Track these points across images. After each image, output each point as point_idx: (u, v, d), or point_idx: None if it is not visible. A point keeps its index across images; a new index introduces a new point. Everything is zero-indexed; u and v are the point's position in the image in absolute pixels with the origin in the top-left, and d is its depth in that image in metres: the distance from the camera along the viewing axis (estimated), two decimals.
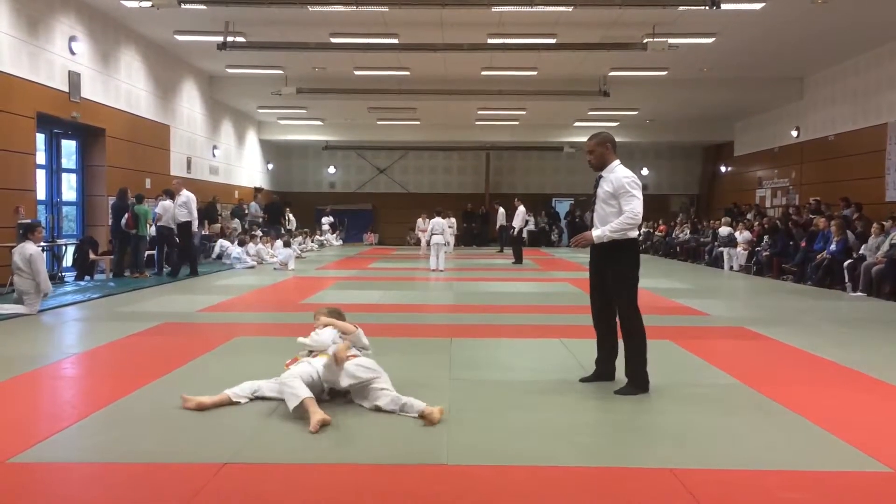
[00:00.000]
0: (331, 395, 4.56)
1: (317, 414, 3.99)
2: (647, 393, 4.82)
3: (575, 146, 26.24)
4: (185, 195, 13.35)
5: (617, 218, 4.89)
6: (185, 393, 4.46)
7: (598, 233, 4.97)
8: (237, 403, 4.43)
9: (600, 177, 5.09)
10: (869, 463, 3.57)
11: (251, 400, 4.49)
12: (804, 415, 4.36)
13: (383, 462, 3.51)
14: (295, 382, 4.19)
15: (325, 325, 4.78)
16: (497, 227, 22.83)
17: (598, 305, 5.17)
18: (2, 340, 6.80)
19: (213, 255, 17.12)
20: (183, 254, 13.67)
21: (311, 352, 4.69)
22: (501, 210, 22.20)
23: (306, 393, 4.13)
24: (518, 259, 17.78)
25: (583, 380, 5.21)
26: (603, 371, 5.17)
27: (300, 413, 4.06)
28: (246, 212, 21.34)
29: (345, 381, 4.39)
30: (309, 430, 3.91)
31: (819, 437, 3.99)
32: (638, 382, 4.86)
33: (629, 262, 4.99)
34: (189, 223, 13.36)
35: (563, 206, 30.08)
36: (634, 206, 4.86)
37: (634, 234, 4.99)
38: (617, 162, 5.07)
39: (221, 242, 17.37)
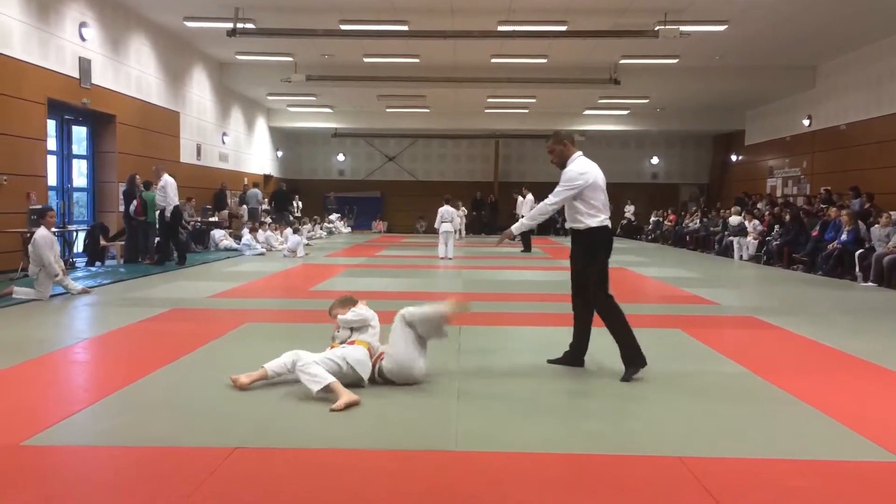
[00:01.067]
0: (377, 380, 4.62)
1: (344, 395, 4.11)
2: (647, 365, 4.89)
3: (585, 134, 26.09)
4: (164, 180, 12.81)
5: (578, 211, 4.99)
6: (206, 375, 4.54)
7: (515, 225, 5.33)
8: (272, 378, 4.52)
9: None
10: (878, 452, 3.56)
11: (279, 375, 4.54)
12: (813, 404, 4.35)
13: (392, 448, 3.53)
14: (314, 370, 4.25)
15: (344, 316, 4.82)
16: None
17: (573, 293, 5.32)
18: (14, 325, 6.86)
19: (213, 247, 17.05)
20: (161, 240, 13.18)
21: (342, 341, 4.72)
22: (520, 199, 22.12)
23: (330, 378, 4.21)
24: (527, 247, 17.77)
25: (550, 361, 5.34)
26: (573, 357, 5.28)
27: (327, 392, 4.15)
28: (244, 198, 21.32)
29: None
30: (332, 408, 4.01)
31: (828, 426, 3.98)
32: (634, 361, 4.91)
33: (592, 251, 5.07)
34: (175, 208, 12.91)
35: None
36: (549, 199, 5.01)
37: (596, 222, 5.00)
38: (577, 155, 5.12)
39: (214, 233, 17.32)
